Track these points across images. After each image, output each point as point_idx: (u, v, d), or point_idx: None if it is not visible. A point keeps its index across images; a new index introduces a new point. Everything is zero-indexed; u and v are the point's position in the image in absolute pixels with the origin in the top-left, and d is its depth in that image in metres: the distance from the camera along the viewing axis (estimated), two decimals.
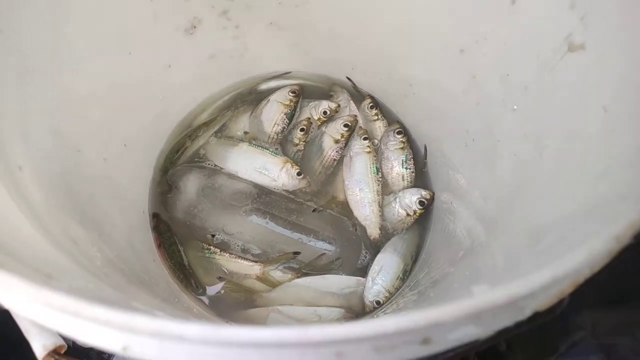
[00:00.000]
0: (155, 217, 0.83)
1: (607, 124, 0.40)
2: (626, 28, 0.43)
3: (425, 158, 0.89)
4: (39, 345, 0.43)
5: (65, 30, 0.59)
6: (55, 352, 0.45)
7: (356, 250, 0.84)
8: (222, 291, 0.80)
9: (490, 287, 0.25)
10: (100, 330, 0.22)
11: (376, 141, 0.92)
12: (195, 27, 0.79)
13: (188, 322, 0.21)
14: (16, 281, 0.21)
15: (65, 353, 0.46)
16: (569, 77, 0.49)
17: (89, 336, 0.23)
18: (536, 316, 0.32)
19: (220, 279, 0.81)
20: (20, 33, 0.52)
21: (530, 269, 0.27)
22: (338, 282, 0.81)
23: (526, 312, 0.27)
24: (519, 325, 0.31)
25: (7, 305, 0.23)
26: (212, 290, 0.80)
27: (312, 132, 0.92)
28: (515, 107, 0.60)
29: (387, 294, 0.78)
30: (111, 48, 0.68)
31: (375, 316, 0.74)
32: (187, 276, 0.80)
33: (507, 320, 0.27)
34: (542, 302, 0.26)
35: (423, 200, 0.84)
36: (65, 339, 0.45)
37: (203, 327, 0.21)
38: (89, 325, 0.22)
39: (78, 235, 0.50)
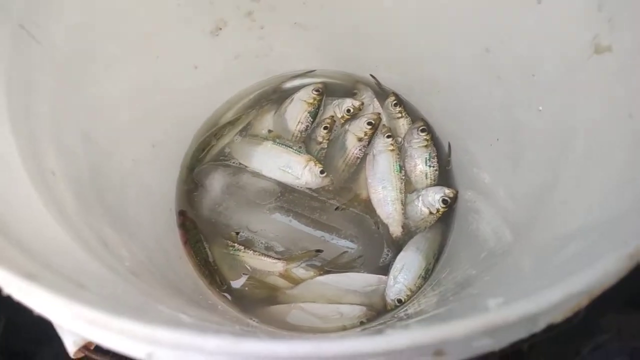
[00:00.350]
0: (182, 215, 0.86)
1: (634, 132, 0.39)
2: None
3: (450, 156, 0.88)
4: (70, 341, 0.46)
5: (96, 38, 0.61)
6: (85, 347, 0.47)
7: (378, 249, 0.85)
8: (246, 288, 0.82)
9: (505, 301, 0.25)
10: (127, 340, 0.24)
11: (400, 139, 0.92)
12: (220, 28, 0.80)
13: (207, 335, 0.22)
14: (51, 296, 0.23)
15: (94, 349, 0.49)
16: (596, 80, 0.48)
17: (116, 344, 0.25)
18: (551, 327, 0.32)
19: (245, 275, 0.82)
20: (56, 44, 0.54)
21: (551, 280, 0.27)
22: (360, 280, 0.82)
23: (540, 325, 0.27)
24: (533, 336, 0.31)
25: (44, 314, 0.25)
26: (236, 286, 0.82)
27: (335, 130, 0.93)
28: (541, 108, 0.59)
29: (408, 293, 0.79)
30: (139, 52, 0.70)
31: (396, 315, 0.75)
32: (212, 273, 0.82)
33: (521, 333, 0.27)
34: (557, 315, 0.26)
35: (447, 198, 0.83)
36: None
37: (222, 340, 0.22)
38: (116, 335, 0.24)
39: (108, 237, 0.52)
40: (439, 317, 0.47)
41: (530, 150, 0.61)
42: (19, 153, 0.43)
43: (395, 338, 0.22)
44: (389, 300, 0.79)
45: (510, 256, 0.50)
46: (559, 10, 0.54)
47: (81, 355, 0.47)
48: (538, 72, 0.59)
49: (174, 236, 0.83)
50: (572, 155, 0.49)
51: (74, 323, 0.24)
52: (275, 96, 0.97)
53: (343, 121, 0.93)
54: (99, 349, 0.48)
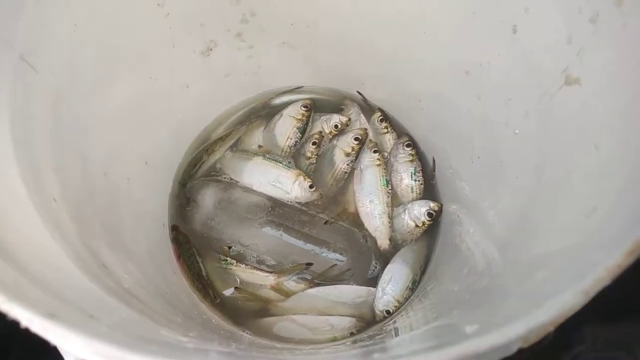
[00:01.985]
0: (175, 230, 0.88)
1: (599, 162, 0.42)
2: (620, 66, 0.45)
3: (434, 170, 0.92)
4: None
5: (91, 62, 0.63)
6: None
7: (367, 261, 0.88)
8: (239, 301, 0.84)
9: (479, 329, 0.28)
10: None
11: (386, 154, 0.95)
12: (211, 49, 0.83)
13: None
14: (70, 333, 0.25)
15: None
16: (566, 109, 0.51)
17: None
18: (521, 350, 0.35)
19: (237, 289, 0.85)
20: (53, 70, 0.56)
21: (520, 308, 0.30)
22: (349, 292, 0.85)
23: (512, 349, 0.30)
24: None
25: (65, 348, 0.27)
26: (229, 299, 0.84)
27: (323, 145, 0.96)
28: (517, 130, 0.62)
29: (396, 304, 0.82)
30: (134, 74, 0.72)
31: (385, 326, 0.78)
32: (205, 286, 0.84)
33: (494, 358, 0.30)
34: (526, 341, 0.29)
35: (431, 211, 0.86)
36: None
37: None
38: None
39: (106, 257, 0.54)
40: (421, 339, 0.50)
41: (508, 170, 0.64)
42: (23, 183, 0.45)
43: None
44: (377, 312, 0.82)
45: (488, 277, 0.53)
46: (533, 40, 0.57)
47: None
48: (514, 96, 0.63)
49: (168, 251, 0.85)
50: (544, 178, 0.53)
51: (91, 357, 0.27)
52: (265, 112, 0.99)
53: (331, 136, 0.96)
54: None
